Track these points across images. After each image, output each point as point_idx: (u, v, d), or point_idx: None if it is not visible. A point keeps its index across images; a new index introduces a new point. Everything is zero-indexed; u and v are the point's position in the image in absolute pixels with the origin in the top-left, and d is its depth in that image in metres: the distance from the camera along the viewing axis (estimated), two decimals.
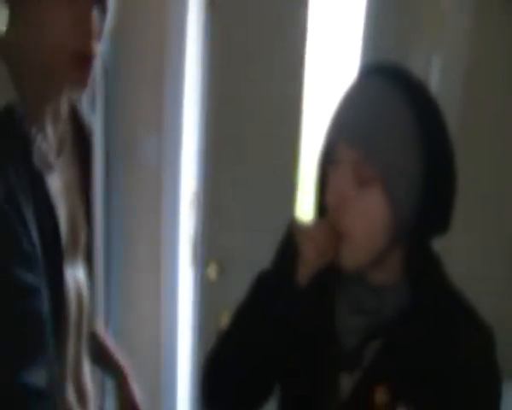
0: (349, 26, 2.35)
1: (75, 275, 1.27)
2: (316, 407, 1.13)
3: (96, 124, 2.49)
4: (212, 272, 2.49)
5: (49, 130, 1.22)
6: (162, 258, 2.57)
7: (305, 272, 1.08)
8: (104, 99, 2.52)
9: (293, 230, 1.10)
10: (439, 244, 1.13)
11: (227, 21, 2.42)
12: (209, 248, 2.54)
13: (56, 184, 1.22)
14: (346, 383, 1.11)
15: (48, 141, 1.21)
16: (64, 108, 1.27)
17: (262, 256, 1.20)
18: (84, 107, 2.38)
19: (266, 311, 1.12)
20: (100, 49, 1.18)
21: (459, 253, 1.94)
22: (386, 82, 1.04)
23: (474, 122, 2.14)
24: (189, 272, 2.62)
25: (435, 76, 2.19)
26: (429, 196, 1.04)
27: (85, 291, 1.31)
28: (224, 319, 2.43)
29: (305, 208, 2.50)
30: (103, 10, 1.17)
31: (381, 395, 1.06)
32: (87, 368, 1.36)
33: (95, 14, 1.15)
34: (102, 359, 1.54)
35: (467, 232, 1.95)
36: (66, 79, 1.17)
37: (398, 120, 1.02)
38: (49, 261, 1.12)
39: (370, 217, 1.03)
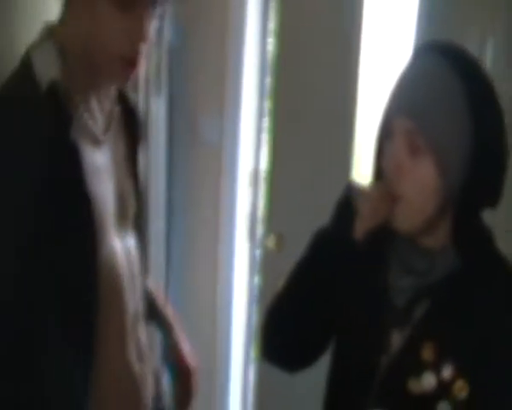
0: (404, 6, 2.39)
1: (125, 243, 1.35)
2: (367, 362, 1.21)
3: (160, 103, 2.61)
4: (272, 244, 2.57)
5: (96, 109, 1.29)
6: (220, 233, 2.67)
7: (361, 228, 1.18)
8: (168, 80, 2.63)
9: (351, 190, 1.21)
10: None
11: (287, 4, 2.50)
12: (269, 221, 2.62)
13: (104, 157, 1.29)
14: (396, 339, 1.19)
15: (94, 118, 1.28)
16: (110, 90, 1.33)
17: None
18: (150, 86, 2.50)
19: (323, 265, 1.23)
20: (147, 49, 1.22)
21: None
22: (440, 59, 1.12)
23: None
24: (245, 247, 2.72)
25: (489, 58, 2.21)
26: (478, 168, 1.12)
27: (136, 257, 1.39)
28: None
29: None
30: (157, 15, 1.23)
31: (428, 353, 1.13)
32: (143, 328, 1.43)
33: (148, 22, 1.19)
34: (150, 310, 1.59)
35: None
36: (110, 77, 1.25)
37: (449, 95, 1.10)
38: (81, 234, 1.20)
39: (422, 184, 1.12)
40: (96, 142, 1.28)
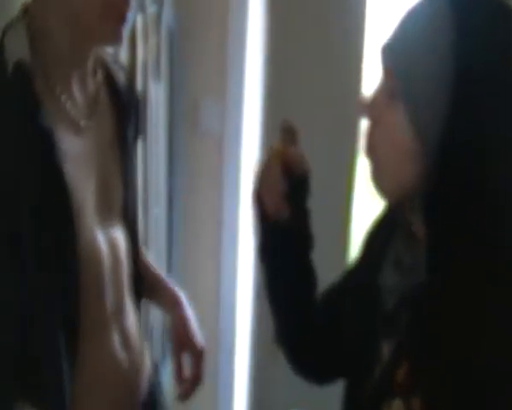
0: None
1: (109, 234, 1.30)
2: (360, 373, 1.04)
3: (160, 89, 2.52)
4: None
5: (76, 90, 1.23)
6: (223, 223, 2.61)
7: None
8: (168, 65, 2.54)
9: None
10: None
11: None
12: None
13: (86, 143, 1.23)
14: (386, 351, 0.99)
15: (75, 101, 1.22)
16: (92, 68, 1.27)
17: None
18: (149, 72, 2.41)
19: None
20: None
21: None
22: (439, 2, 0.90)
23: None
24: (249, 236, 2.67)
25: None
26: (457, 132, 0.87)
27: (123, 248, 1.34)
28: None
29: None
30: None
31: (400, 375, 0.92)
32: (132, 317, 1.39)
33: None
34: (152, 291, 1.54)
35: None
36: (97, 31, 1.17)
37: (434, 40, 0.87)
38: (58, 223, 1.16)
39: (392, 135, 0.92)
40: (77, 126, 1.22)
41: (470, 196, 0.87)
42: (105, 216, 1.28)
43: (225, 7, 2.52)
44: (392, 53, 0.92)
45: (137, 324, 1.41)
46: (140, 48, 2.51)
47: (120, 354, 1.32)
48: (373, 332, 1.01)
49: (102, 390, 1.29)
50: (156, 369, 1.50)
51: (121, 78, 1.36)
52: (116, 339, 1.31)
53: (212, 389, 2.61)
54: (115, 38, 1.20)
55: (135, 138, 1.46)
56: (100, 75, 1.30)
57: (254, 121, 2.62)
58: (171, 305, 1.52)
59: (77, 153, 1.20)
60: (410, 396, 0.89)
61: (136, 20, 2.48)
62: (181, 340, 1.49)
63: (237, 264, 2.63)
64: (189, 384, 1.48)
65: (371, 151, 0.97)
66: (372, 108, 0.95)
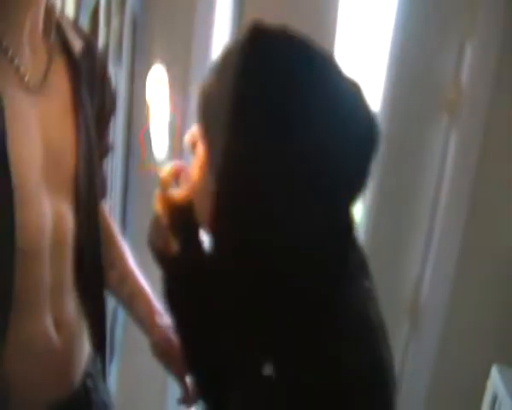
0: (381, 13, 2.41)
1: (57, 208, 1.21)
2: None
3: (120, 73, 2.41)
4: None
5: (26, 47, 1.16)
6: None
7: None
8: (131, 51, 2.43)
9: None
10: None
11: None
12: None
13: (33, 107, 1.16)
14: None
15: (24, 58, 1.15)
16: (44, 29, 1.21)
17: None
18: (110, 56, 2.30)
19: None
20: None
21: None
22: (248, 43, 0.95)
23: (504, 113, 2.27)
24: None
25: (468, 63, 2.32)
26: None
27: (70, 226, 1.26)
28: None
29: None
30: None
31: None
32: (72, 301, 1.33)
33: None
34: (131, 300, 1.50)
35: None
36: None
37: (231, 86, 0.93)
38: None
39: (199, 168, 1.03)
40: (25, 86, 1.14)
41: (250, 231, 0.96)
42: (53, 188, 1.19)
43: None
44: (198, 100, 1.02)
45: (77, 310, 1.34)
46: (102, 30, 2.39)
47: (52, 333, 1.25)
48: None
49: (33, 363, 1.23)
50: (95, 359, 1.43)
51: (78, 45, 1.27)
52: (48, 318, 1.24)
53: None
54: None
55: (103, 112, 1.38)
56: (54, 38, 1.22)
57: None
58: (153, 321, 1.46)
59: (23, 114, 1.12)
60: None
61: (99, 1, 2.37)
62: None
63: None
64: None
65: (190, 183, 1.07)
66: (193, 145, 1.05)
